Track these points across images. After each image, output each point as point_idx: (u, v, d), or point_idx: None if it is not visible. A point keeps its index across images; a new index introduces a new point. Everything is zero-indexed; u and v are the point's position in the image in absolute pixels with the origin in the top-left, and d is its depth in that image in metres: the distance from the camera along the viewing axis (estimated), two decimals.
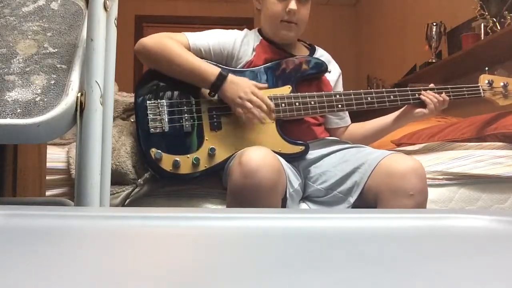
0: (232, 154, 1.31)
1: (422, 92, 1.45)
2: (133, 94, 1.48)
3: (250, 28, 1.58)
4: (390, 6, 4.33)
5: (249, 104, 1.31)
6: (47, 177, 1.28)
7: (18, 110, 0.71)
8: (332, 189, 1.31)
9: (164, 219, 0.50)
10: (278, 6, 1.43)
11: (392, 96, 1.44)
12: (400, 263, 0.35)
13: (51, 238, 0.43)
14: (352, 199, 1.26)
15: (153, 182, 1.36)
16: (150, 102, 1.35)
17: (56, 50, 0.81)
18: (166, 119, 1.33)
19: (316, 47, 1.60)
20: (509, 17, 2.30)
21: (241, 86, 1.32)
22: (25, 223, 0.47)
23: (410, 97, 1.46)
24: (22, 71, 0.77)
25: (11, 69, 0.77)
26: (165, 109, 1.34)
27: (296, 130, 1.40)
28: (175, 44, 1.37)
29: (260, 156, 1.13)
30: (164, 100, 1.35)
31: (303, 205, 1.35)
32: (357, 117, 1.64)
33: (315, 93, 1.41)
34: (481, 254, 0.39)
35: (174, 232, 0.46)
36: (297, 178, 1.32)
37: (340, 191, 1.29)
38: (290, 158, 1.34)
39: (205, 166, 1.31)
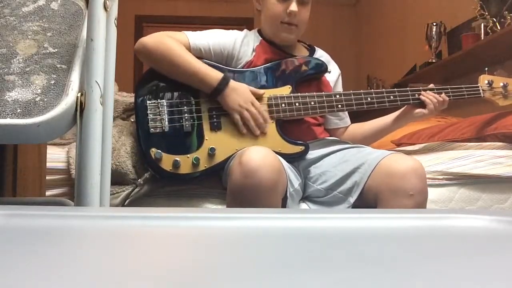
0: (232, 154, 1.31)
1: (422, 92, 1.45)
2: (133, 94, 1.48)
3: (250, 28, 1.58)
4: (390, 6, 4.33)
5: (247, 114, 1.33)
6: (47, 177, 1.28)
7: (18, 110, 0.71)
8: (332, 189, 1.31)
9: (164, 219, 0.50)
10: (278, 7, 1.43)
11: (391, 96, 1.44)
12: (400, 263, 0.35)
13: (51, 238, 0.43)
14: (352, 199, 1.26)
15: (153, 182, 1.36)
16: (150, 102, 1.35)
17: (56, 50, 0.81)
18: (166, 119, 1.33)
19: (316, 47, 1.60)
20: (509, 17, 2.30)
21: (241, 95, 1.34)
22: (25, 223, 0.47)
23: (410, 97, 1.46)
24: (22, 71, 0.77)
25: (11, 69, 0.77)
26: (165, 109, 1.34)
27: (296, 130, 1.40)
28: (175, 44, 1.37)
29: (260, 156, 1.13)
30: (164, 100, 1.35)
31: (303, 205, 1.35)
32: (357, 117, 1.64)
33: (315, 93, 1.41)
34: (481, 254, 0.39)
35: (174, 232, 0.46)
36: (297, 178, 1.32)
37: (340, 191, 1.29)
38: (290, 158, 1.34)
39: (205, 166, 1.31)
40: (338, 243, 0.42)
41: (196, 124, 1.35)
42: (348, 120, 1.60)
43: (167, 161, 1.30)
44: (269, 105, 1.38)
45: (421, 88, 1.47)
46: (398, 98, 1.45)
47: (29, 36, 0.82)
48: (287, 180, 1.23)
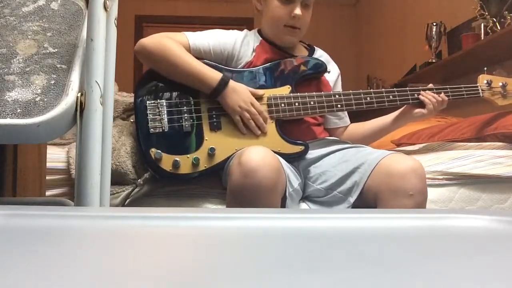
0: (232, 154, 1.31)
1: (421, 92, 1.45)
2: (133, 94, 1.48)
3: (250, 28, 1.58)
4: (390, 6, 4.33)
5: (247, 115, 1.34)
6: (47, 177, 1.28)
7: (18, 110, 0.71)
8: (332, 189, 1.31)
9: (164, 219, 0.50)
10: (282, 10, 1.43)
11: (391, 96, 1.44)
12: (400, 263, 0.35)
13: (51, 238, 0.43)
14: (352, 199, 1.26)
15: (153, 182, 1.36)
16: (149, 102, 1.35)
17: (56, 50, 0.81)
18: (166, 119, 1.33)
19: (315, 47, 1.60)
20: (509, 17, 2.30)
21: (241, 95, 1.34)
22: (25, 223, 0.47)
23: (409, 97, 1.46)
24: (22, 71, 0.77)
25: (11, 69, 0.77)
26: (165, 109, 1.34)
27: (295, 130, 1.40)
28: (175, 45, 1.37)
29: (260, 156, 1.13)
30: (163, 100, 1.35)
31: (303, 205, 1.35)
32: (356, 117, 1.64)
33: (314, 93, 1.41)
34: (481, 254, 0.39)
35: (174, 232, 0.46)
36: (296, 178, 1.32)
37: (340, 191, 1.29)
38: (290, 158, 1.34)
39: (205, 166, 1.31)
40: (338, 243, 0.42)
41: (196, 124, 1.35)
42: (347, 119, 1.60)
43: (167, 161, 1.30)
44: (269, 105, 1.38)
45: (420, 88, 1.47)
46: (397, 98, 1.45)
47: (29, 36, 0.82)
48: (286, 180, 1.23)
